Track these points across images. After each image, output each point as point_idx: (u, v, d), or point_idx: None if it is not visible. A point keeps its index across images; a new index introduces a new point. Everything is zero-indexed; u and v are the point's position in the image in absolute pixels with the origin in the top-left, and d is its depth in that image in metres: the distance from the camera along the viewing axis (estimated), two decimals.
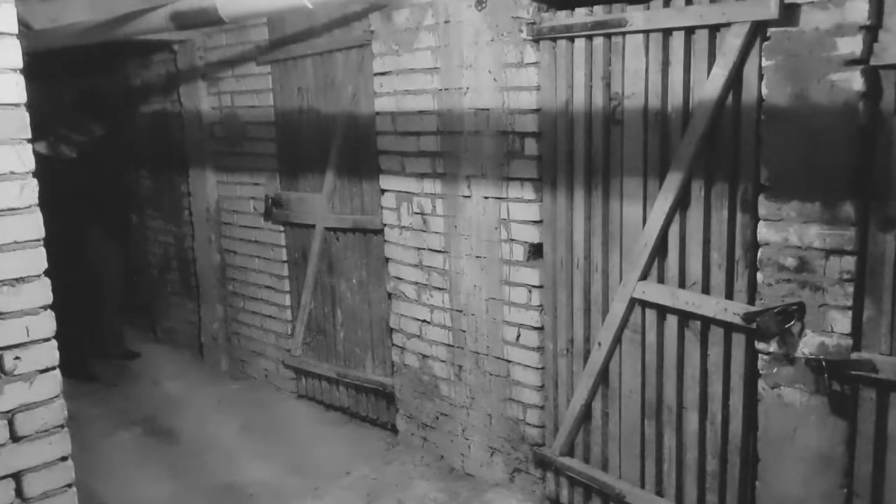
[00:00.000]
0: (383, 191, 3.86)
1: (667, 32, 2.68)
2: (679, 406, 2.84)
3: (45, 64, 4.05)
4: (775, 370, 2.48)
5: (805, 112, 2.30)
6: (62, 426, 2.05)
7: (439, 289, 3.67)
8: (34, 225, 1.96)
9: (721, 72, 2.51)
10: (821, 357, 2.35)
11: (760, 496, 2.60)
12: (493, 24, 3.19)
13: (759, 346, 2.52)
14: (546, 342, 3.30)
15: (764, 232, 2.45)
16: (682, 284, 2.76)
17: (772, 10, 2.32)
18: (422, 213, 3.68)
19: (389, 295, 3.97)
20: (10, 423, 1.95)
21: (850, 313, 2.30)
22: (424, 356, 3.82)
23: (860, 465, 2.36)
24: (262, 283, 4.84)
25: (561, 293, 3.20)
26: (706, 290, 2.70)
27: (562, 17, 2.99)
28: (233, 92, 4.79)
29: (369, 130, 3.89)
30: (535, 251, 3.27)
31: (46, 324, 1.99)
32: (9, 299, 1.92)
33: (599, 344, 3.06)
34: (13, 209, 1.92)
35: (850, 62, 2.19)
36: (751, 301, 2.56)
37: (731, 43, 2.47)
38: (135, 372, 5.33)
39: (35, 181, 1.95)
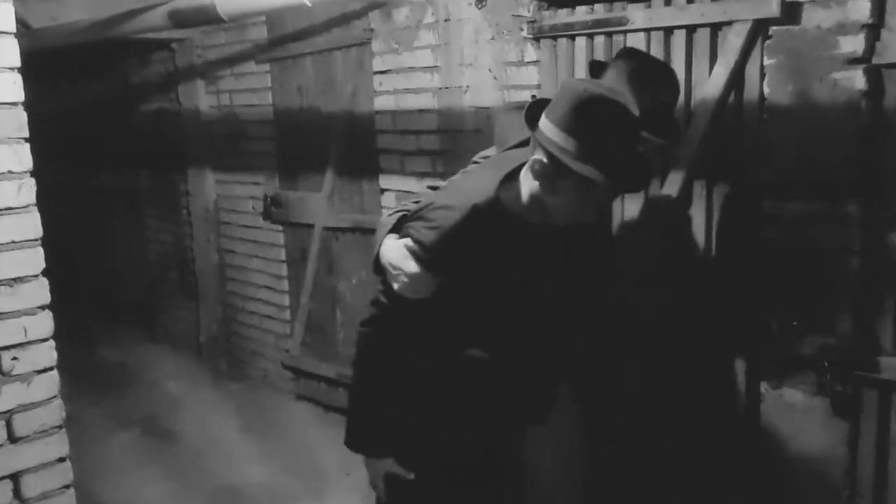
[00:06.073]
0: (383, 190, 3.84)
1: (668, 31, 2.66)
2: None
3: (45, 64, 4.01)
4: (777, 370, 2.47)
5: (807, 111, 2.29)
6: (60, 427, 2.04)
7: None
8: (32, 224, 1.95)
9: (722, 70, 2.50)
10: (823, 357, 2.34)
11: None
12: (493, 23, 3.18)
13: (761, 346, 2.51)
14: None
15: (765, 232, 2.44)
16: None
17: (773, 9, 2.31)
18: None
19: None
20: (8, 424, 1.94)
21: (852, 313, 2.29)
22: None
23: (862, 466, 2.35)
24: (260, 283, 4.83)
25: None
26: None
27: (562, 16, 2.98)
28: (231, 91, 4.78)
29: (369, 129, 3.88)
30: None
31: (44, 324, 1.99)
32: (6, 299, 1.91)
33: None
34: (11, 209, 1.91)
35: (853, 61, 2.18)
36: None
37: (733, 41, 2.46)
38: (133, 372, 5.31)
39: (33, 180, 1.95)
